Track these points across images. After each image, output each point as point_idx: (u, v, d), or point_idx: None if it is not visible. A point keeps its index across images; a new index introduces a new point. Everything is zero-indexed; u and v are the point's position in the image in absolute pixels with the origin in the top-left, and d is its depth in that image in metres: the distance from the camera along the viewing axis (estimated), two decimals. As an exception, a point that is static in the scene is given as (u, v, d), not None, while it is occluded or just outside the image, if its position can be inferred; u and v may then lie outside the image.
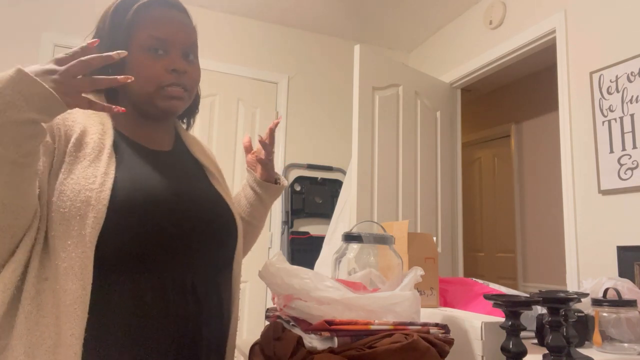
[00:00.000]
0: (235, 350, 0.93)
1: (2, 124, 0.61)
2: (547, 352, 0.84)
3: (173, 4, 0.86)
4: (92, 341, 0.68)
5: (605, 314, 1.03)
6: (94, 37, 0.85)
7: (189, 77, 0.86)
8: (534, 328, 1.05)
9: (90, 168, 0.74)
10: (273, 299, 0.85)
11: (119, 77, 0.67)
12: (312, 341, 0.70)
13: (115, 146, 0.80)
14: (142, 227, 0.74)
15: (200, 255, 0.82)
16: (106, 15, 0.85)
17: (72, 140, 0.75)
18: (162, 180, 0.81)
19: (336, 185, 3.26)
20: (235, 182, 3.05)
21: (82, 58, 0.64)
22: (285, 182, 1.10)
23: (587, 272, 2.07)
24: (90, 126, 0.79)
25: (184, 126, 1.03)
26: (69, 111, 0.77)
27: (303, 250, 3.07)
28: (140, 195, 0.76)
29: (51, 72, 0.63)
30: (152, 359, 0.73)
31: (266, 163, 1.03)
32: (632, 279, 1.80)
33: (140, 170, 0.80)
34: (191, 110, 1.01)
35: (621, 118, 1.98)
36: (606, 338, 1.02)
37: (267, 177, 1.06)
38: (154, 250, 0.75)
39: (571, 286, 2.12)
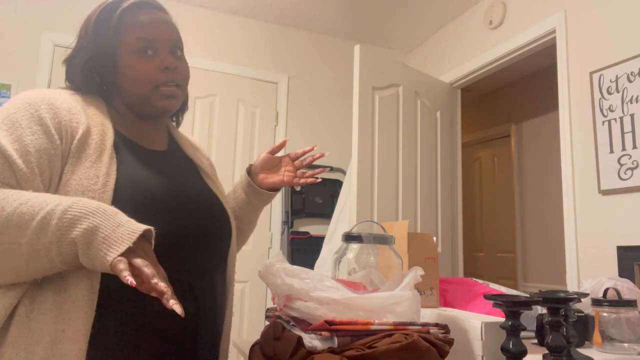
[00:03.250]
0: (236, 350, 0.94)
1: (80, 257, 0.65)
2: (547, 352, 0.84)
3: (153, 4, 0.88)
4: (96, 337, 0.69)
5: (605, 314, 1.03)
6: (76, 47, 0.86)
7: (180, 74, 0.87)
8: (534, 328, 1.05)
9: (92, 169, 0.74)
10: (273, 299, 0.85)
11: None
12: (312, 341, 0.70)
13: (116, 147, 0.80)
14: None
15: (199, 254, 0.83)
16: (88, 24, 0.86)
17: (75, 141, 0.76)
18: (162, 181, 0.82)
19: (336, 185, 3.25)
20: (235, 182, 3.05)
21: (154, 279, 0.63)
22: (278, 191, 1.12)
23: (587, 272, 2.06)
24: (92, 126, 0.79)
25: (174, 124, 1.04)
26: (73, 112, 0.78)
27: (303, 250, 3.06)
28: (141, 196, 0.76)
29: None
30: (152, 358, 0.74)
31: (285, 182, 1.07)
32: (632, 279, 1.80)
33: (140, 171, 0.80)
34: (181, 109, 1.02)
35: (621, 118, 1.98)
36: (606, 338, 1.02)
37: (263, 186, 1.07)
38: (155, 250, 0.76)
39: (571, 286, 2.12)
